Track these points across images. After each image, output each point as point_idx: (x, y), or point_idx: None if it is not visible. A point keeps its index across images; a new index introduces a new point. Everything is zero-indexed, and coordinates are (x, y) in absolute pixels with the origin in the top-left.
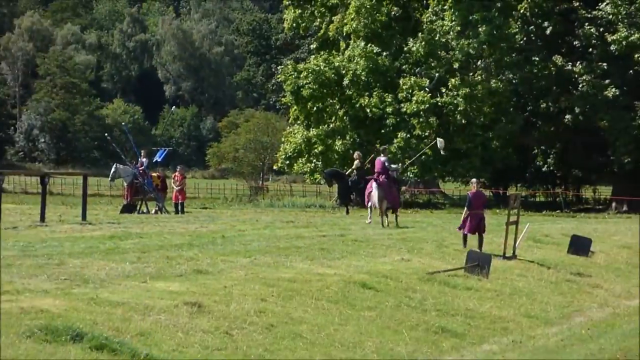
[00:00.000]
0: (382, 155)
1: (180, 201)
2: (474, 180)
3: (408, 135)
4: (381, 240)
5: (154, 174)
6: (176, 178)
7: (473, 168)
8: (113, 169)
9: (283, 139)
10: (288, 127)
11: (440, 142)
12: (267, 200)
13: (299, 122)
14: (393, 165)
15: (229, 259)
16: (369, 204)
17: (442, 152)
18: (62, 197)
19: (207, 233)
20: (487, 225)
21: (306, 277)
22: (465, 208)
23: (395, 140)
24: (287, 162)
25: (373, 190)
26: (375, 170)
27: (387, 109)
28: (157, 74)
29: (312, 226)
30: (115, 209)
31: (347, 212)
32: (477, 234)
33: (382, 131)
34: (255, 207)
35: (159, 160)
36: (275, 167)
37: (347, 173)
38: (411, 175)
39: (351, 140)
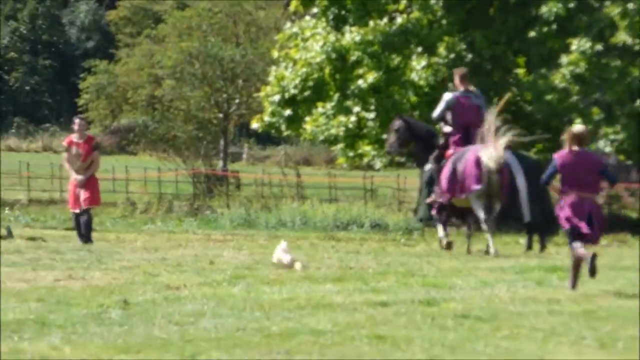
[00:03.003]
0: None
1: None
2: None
3: None
4: (525, 315)
5: None
6: (71, 145)
7: None
8: None
9: (277, 55)
10: (288, 24)
11: None
12: (237, 210)
13: (317, 10)
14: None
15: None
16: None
17: None
18: None
19: (80, 293)
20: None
21: None
22: (543, 182)
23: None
24: (287, 113)
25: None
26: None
27: None
28: None
29: (356, 279)
30: None
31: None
32: (581, 240)
33: None
34: (206, 227)
35: None
36: (256, 126)
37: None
38: (607, 148)
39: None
